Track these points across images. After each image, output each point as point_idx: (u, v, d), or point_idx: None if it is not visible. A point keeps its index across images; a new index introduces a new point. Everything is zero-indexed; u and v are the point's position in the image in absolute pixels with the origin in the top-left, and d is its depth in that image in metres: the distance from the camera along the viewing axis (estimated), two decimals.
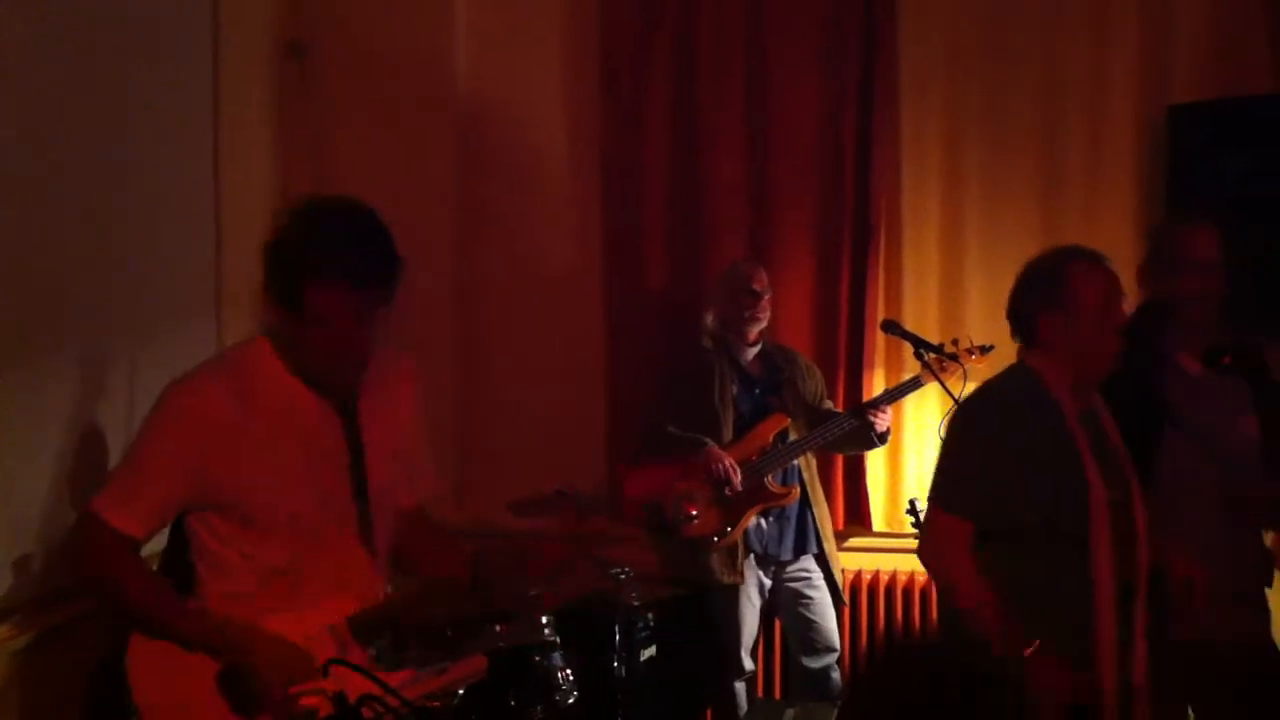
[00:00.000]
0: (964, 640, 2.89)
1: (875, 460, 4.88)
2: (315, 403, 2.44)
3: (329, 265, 2.29)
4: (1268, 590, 3.43)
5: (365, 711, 1.88)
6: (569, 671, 3.83)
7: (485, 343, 5.08)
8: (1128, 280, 4.41)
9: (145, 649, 2.37)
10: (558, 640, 3.84)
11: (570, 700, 3.79)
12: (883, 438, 4.49)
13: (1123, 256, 4.55)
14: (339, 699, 1.89)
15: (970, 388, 4.26)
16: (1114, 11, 4.78)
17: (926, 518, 2.99)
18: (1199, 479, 3.21)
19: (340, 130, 4.75)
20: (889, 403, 4.49)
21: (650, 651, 4.40)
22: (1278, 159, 4.41)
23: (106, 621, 3.01)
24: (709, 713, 4.64)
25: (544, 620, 3.83)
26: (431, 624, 2.57)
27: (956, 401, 4.14)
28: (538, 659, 3.76)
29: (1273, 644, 3.41)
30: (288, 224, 2.36)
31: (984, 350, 4.41)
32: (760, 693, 4.79)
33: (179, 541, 2.55)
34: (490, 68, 5.12)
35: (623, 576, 4.06)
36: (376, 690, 1.82)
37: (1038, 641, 2.73)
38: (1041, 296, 2.94)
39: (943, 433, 3.18)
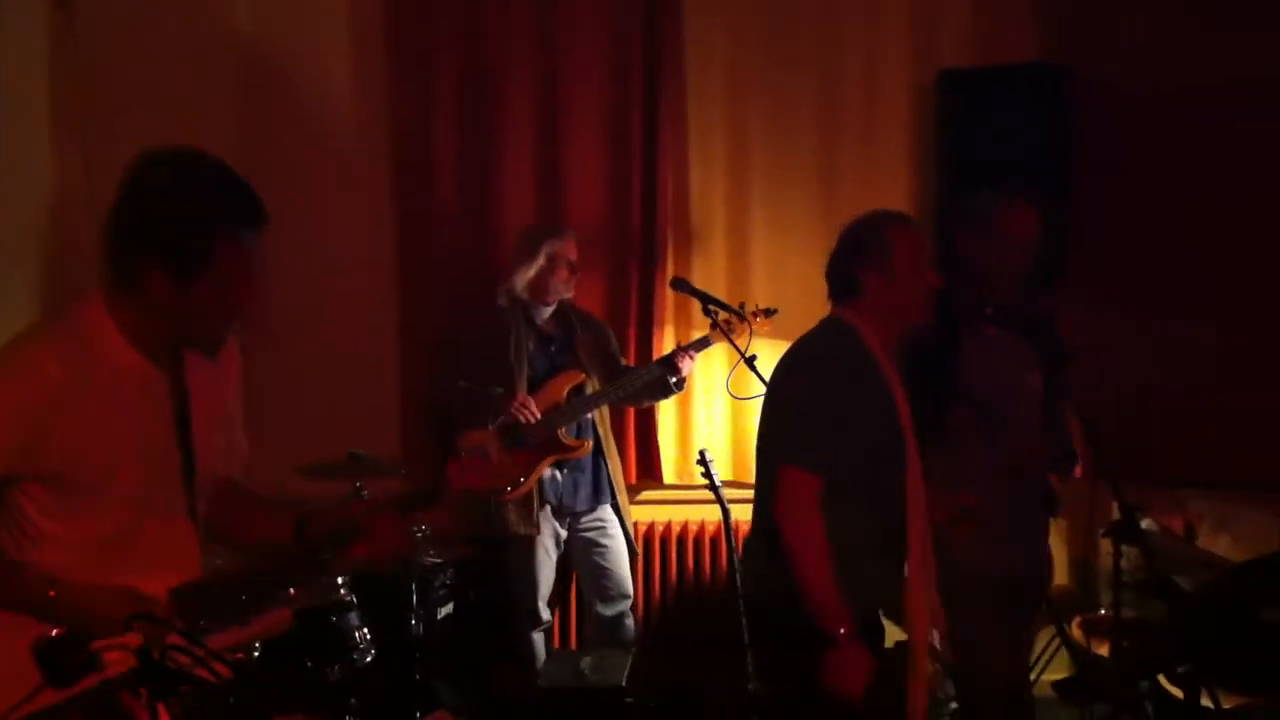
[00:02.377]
0: (774, 593, 3.01)
1: (666, 415, 5.01)
2: (146, 371, 2.34)
3: (234, 213, 2.27)
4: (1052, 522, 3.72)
5: (169, 663, 1.86)
6: (366, 631, 3.84)
7: (272, 303, 4.95)
8: None
9: None
10: (354, 600, 3.85)
11: (368, 659, 3.81)
12: (680, 384, 4.62)
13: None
14: (143, 652, 1.86)
15: (757, 347, 4.45)
16: None
17: (776, 478, 2.99)
18: (985, 432, 3.42)
19: (115, 89, 4.52)
20: (688, 353, 4.59)
21: (448, 609, 4.44)
22: (1039, 122, 4.71)
23: None
24: (508, 664, 4.66)
25: (339, 581, 3.83)
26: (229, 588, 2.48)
27: (744, 359, 4.30)
28: (334, 619, 3.76)
29: (1044, 574, 3.71)
30: (174, 181, 2.26)
31: (768, 313, 4.59)
32: (557, 642, 4.88)
33: None
34: (273, 23, 4.96)
35: (419, 535, 4.08)
36: (180, 642, 1.79)
37: (852, 627, 2.84)
38: (864, 256, 3.08)
39: (770, 386, 3.19)
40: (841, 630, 2.83)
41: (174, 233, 2.23)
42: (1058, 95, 4.72)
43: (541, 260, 4.55)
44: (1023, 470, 3.51)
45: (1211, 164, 4.69)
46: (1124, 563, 3.65)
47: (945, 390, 3.40)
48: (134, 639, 1.93)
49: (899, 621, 3.15)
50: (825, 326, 3.15)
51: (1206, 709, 3.40)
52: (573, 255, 4.59)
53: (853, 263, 3.10)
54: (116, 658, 1.98)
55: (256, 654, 3.21)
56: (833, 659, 2.83)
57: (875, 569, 3.01)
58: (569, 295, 4.64)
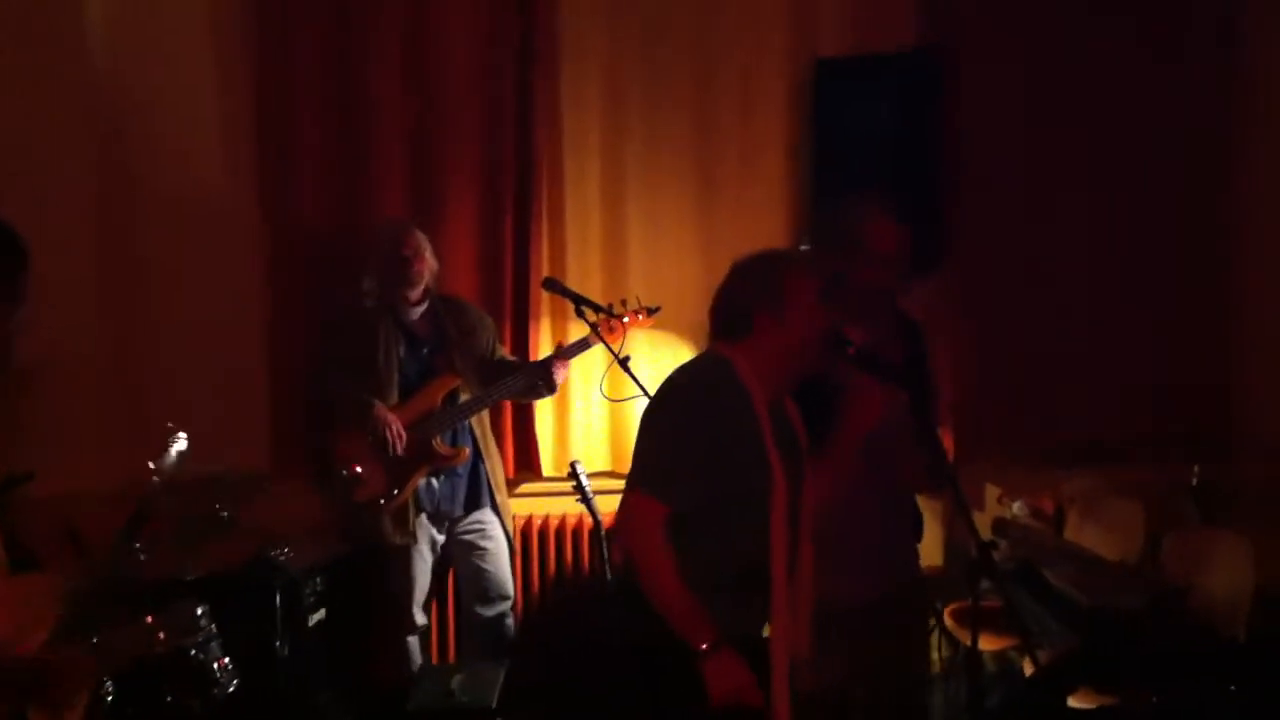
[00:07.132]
0: (638, 612, 2.97)
1: (544, 409, 4.95)
2: None
3: None
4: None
5: None
6: (227, 660, 3.75)
7: (138, 313, 4.74)
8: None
9: None
10: (214, 629, 3.74)
11: (230, 689, 3.73)
12: (552, 387, 4.54)
13: (775, 205, 4.86)
14: None
15: (638, 344, 4.42)
16: None
17: (624, 495, 3.01)
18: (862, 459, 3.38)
19: None
20: (565, 359, 4.52)
21: (320, 615, 4.38)
22: (915, 110, 4.70)
23: None
24: (382, 669, 4.61)
25: (199, 611, 3.72)
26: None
27: (619, 361, 4.26)
28: (194, 653, 3.67)
29: (920, 591, 3.75)
30: None
31: (650, 311, 4.51)
32: (434, 645, 4.84)
33: None
34: (129, 26, 4.71)
35: (282, 558, 3.99)
36: None
37: (715, 637, 2.85)
38: (758, 296, 3.01)
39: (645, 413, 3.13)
40: (704, 645, 2.84)
41: None
42: (930, 83, 4.71)
43: (376, 254, 4.46)
44: (894, 492, 3.52)
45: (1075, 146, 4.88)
46: (994, 554, 3.68)
47: (823, 413, 3.35)
48: None
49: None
50: (700, 360, 3.15)
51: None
52: (406, 250, 4.44)
53: (747, 301, 3.03)
54: None
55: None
56: (707, 671, 2.84)
57: (734, 599, 2.99)
58: (420, 285, 4.48)
